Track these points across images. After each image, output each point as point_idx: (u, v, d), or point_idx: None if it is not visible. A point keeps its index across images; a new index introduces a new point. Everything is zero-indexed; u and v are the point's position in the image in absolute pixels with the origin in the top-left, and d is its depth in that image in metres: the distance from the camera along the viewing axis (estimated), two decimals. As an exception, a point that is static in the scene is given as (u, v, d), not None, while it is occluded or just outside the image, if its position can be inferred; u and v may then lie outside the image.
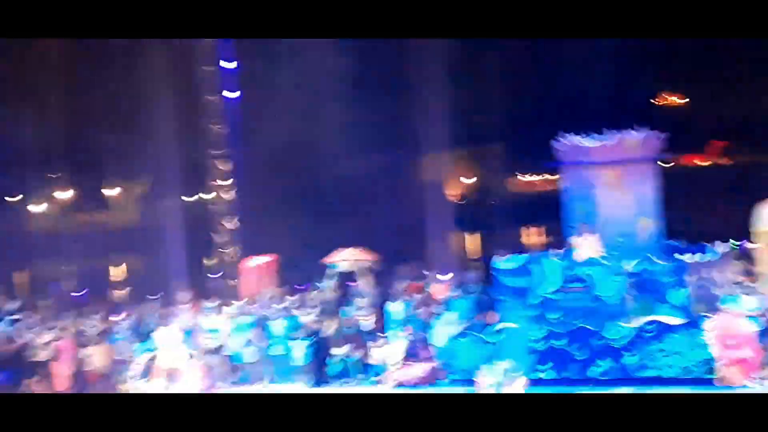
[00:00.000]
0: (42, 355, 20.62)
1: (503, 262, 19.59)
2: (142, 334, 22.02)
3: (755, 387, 16.88)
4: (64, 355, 20.62)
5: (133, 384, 19.58)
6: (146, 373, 20.47)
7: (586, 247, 18.90)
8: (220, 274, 29.50)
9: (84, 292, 31.30)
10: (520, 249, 22.91)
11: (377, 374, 19.90)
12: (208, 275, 29.63)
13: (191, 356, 21.00)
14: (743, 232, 19.56)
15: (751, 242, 19.40)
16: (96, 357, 20.89)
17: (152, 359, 19.73)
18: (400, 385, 19.39)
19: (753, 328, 17.21)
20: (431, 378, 19.58)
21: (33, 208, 37.93)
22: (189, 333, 21.53)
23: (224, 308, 22.31)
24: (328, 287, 21.72)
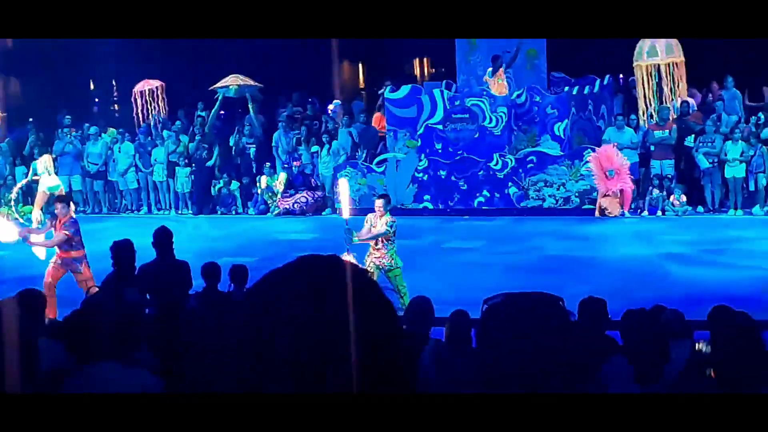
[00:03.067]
0: None
1: (392, 92, 19.43)
2: (23, 157, 21.54)
3: (630, 217, 17.51)
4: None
5: (15, 208, 19.23)
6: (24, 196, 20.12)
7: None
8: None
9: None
10: (409, 80, 22.72)
11: (263, 202, 19.92)
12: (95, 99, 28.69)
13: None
14: (626, 65, 19.72)
15: (633, 76, 19.61)
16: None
17: (32, 183, 19.37)
18: (286, 212, 19.46)
19: (630, 160, 17.69)
20: (316, 207, 19.73)
21: None
22: (71, 158, 21.13)
23: (105, 134, 21.81)
24: (214, 113, 21.31)
